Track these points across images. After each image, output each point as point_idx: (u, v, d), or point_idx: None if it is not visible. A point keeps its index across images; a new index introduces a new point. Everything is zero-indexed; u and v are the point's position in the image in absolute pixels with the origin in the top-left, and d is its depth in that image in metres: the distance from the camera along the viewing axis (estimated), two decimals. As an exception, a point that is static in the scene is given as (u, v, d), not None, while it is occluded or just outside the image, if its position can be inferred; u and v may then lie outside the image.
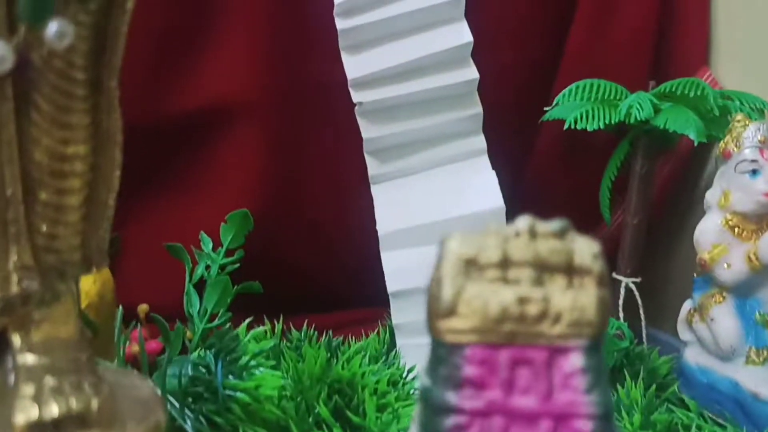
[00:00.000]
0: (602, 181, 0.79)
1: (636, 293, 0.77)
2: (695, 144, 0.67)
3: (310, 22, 0.79)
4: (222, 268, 0.72)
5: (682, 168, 0.83)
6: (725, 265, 0.60)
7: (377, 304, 0.83)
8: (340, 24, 0.77)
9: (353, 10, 0.76)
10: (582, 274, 0.32)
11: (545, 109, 0.79)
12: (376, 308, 0.86)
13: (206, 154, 0.80)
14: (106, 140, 0.36)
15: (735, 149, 0.59)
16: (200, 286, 0.74)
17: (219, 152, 0.80)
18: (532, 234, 0.33)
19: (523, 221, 0.33)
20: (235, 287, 0.72)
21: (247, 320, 0.65)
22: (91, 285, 0.54)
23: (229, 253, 0.73)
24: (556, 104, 0.76)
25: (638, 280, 0.77)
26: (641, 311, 0.77)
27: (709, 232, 0.61)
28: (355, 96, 0.79)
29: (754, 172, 0.58)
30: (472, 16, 0.80)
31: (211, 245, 0.72)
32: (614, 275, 0.78)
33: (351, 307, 0.92)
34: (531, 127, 0.86)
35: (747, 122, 0.60)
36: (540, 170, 0.90)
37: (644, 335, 0.77)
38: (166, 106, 0.78)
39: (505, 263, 0.32)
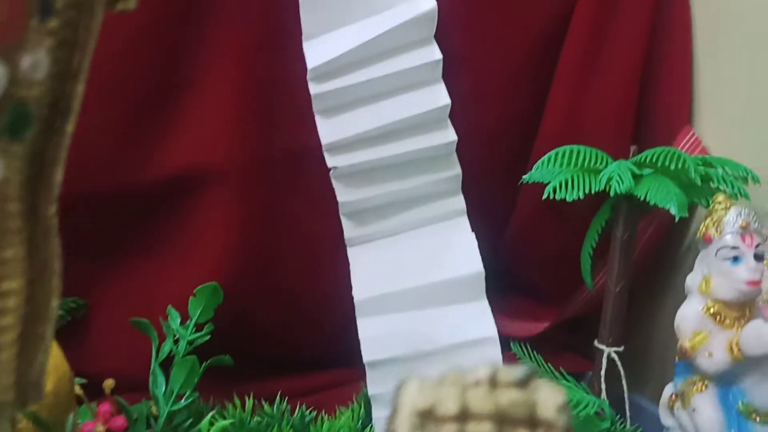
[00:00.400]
0: (583, 247, 0.77)
1: (618, 363, 0.75)
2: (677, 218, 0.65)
3: (282, 88, 0.77)
4: (190, 343, 0.70)
5: (665, 231, 0.81)
6: (707, 354, 0.58)
7: (355, 365, 0.81)
8: (314, 88, 0.75)
9: (327, 75, 0.75)
10: (546, 428, 0.30)
11: (524, 177, 0.77)
12: (354, 369, 0.84)
13: (178, 221, 0.78)
14: (42, 270, 0.34)
15: (716, 234, 0.58)
16: (170, 360, 0.72)
17: (192, 219, 0.78)
18: (493, 383, 0.31)
19: (484, 370, 0.31)
20: (204, 363, 0.70)
21: (210, 414, 0.62)
22: (46, 380, 0.52)
23: (198, 327, 0.71)
24: (536, 170, 0.74)
25: (620, 349, 0.75)
26: (624, 381, 0.75)
27: (689, 318, 0.59)
28: (330, 160, 0.77)
29: (736, 258, 0.56)
30: (452, 76, 0.79)
31: (179, 320, 0.70)
32: (596, 344, 0.76)
33: (329, 367, 0.90)
34: (512, 187, 0.84)
35: (728, 204, 0.58)
36: (521, 230, 0.88)
37: (627, 406, 0.75)
38: (137, 174, 0.76)
39: (463, 416, 0.30)
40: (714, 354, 0.58)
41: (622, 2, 0.81)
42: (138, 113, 0.75)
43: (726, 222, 0.57)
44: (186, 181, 0.77)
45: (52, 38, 0.31)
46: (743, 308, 0.58)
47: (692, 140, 0.81)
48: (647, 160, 0.69)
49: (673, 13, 0.83)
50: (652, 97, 0.84)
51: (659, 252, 0.83)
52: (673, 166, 0.66)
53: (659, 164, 0.67)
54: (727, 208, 0.58)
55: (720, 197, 0.59)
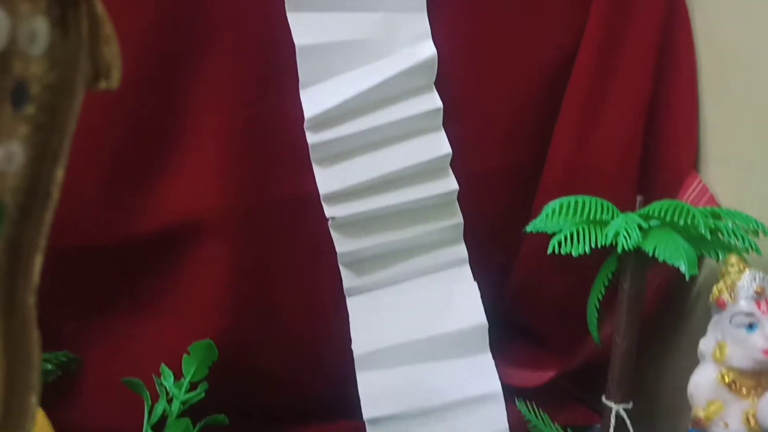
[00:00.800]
0: (589, 300, 0.75)
1: (627, 420, 0.72)
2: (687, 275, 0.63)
3: (277, 134, 0.75)
4: (184, 403, 0.68)
5: (673, 283, 0.79)
6: (722, 424, 0.55)
7: (356, 417, 0.79)
8: (312, 138, 0.73)
9: (325, 124, 0.73)
10: None
11: (526, 227, 0.75)
12: (355, 421, 0.81)
13: (172, 274, 0.76)
14: (20, 364, 0.32)
15: (729, 299, 0.55)
16: (163, 420, 0.70)
17: (186, 272, 0.76)
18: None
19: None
20: (199, 424, 0.68)
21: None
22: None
23: (193, 385, 0.69)
24: (540, 221, 0.72)
25: (629, 406, 0.72)
26: (633, 439, 0.72)
27: (703, 386, 0.57)
28: (329, 210, 0.75)
29: (751, 325, 0.54)
30: (453, 124, 0.77)
31: (172, 379, 0.68)
32: (604, 400, 0.74)
33: (329, 420, 0.87)
34: (514, 234, 0.82)
35: (741, 267, 0.56)
36: (525, 278, 0.86)
37: (636, 465, 0.72)
38: (130, 227, 0.74)
39: None
40: (730, 425, 0.55)
41: (624, 48, 0.79)
42: (128, 164, 0.72)
43: (740, 287, 0.55)
44: (179, 233, 0.74)
45: (27, 125, 0.29)
46: (759, 377, 0.55)
47: (699, 188, 0.79)
48: (654, 214, 0.67)
49: (679, 58, 0.81)
50: (657, 144, 0.82)
51: (668, 303, 0.81)
52: (681, 222, 0.64)
53: (667, 218, 0.65)
54: (740, 271, 0.56)
55: (733, 259, 0.57)
